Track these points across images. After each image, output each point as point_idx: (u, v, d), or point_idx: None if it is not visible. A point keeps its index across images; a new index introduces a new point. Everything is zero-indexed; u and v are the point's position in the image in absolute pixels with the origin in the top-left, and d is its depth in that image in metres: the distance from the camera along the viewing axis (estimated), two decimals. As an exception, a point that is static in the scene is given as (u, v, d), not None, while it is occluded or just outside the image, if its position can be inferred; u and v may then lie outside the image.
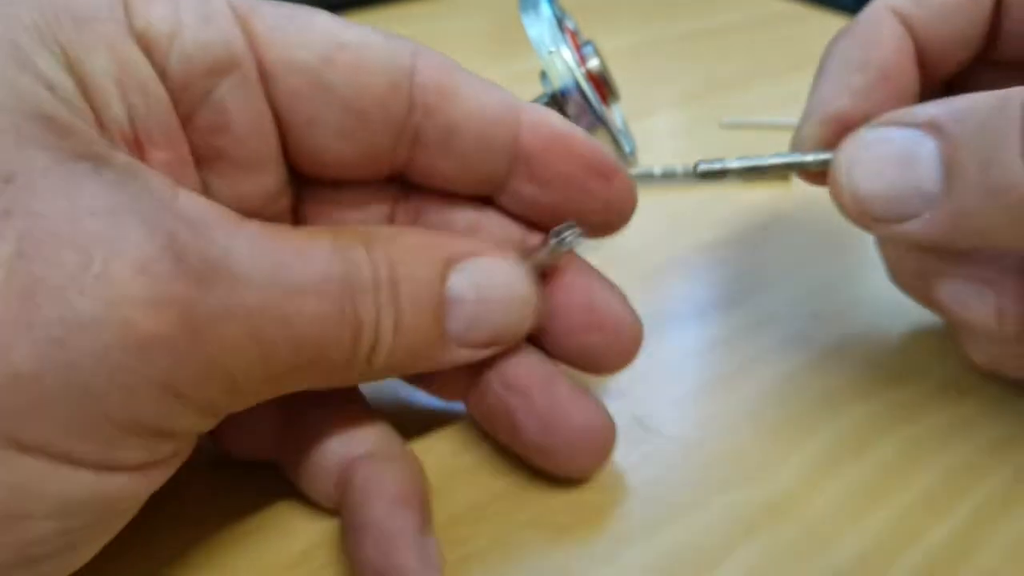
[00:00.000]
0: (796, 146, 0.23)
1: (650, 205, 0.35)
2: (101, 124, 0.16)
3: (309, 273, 0.16)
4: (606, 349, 0.21)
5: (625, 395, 0.24)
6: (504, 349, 0.20)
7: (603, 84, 0.27)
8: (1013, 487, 0.21)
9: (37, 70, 0.15)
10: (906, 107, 0.20)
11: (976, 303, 0.21)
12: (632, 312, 0.21)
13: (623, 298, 0.21)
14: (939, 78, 0.24)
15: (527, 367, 0.20)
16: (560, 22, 0.26)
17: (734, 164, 0.22)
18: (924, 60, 0.23)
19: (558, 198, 0.20)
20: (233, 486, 0.21)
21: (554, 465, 0.21)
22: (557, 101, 0.25)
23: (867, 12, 0.23)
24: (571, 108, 0.25)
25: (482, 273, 0.19)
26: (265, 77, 0.18)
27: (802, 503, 0.21)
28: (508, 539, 0.20)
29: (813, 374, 0.25)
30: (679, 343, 0.27)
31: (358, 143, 0.19)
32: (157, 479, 0.16)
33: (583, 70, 0.25)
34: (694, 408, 0.24)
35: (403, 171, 0.20)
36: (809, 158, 0.22)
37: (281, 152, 0.19)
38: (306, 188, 0.20)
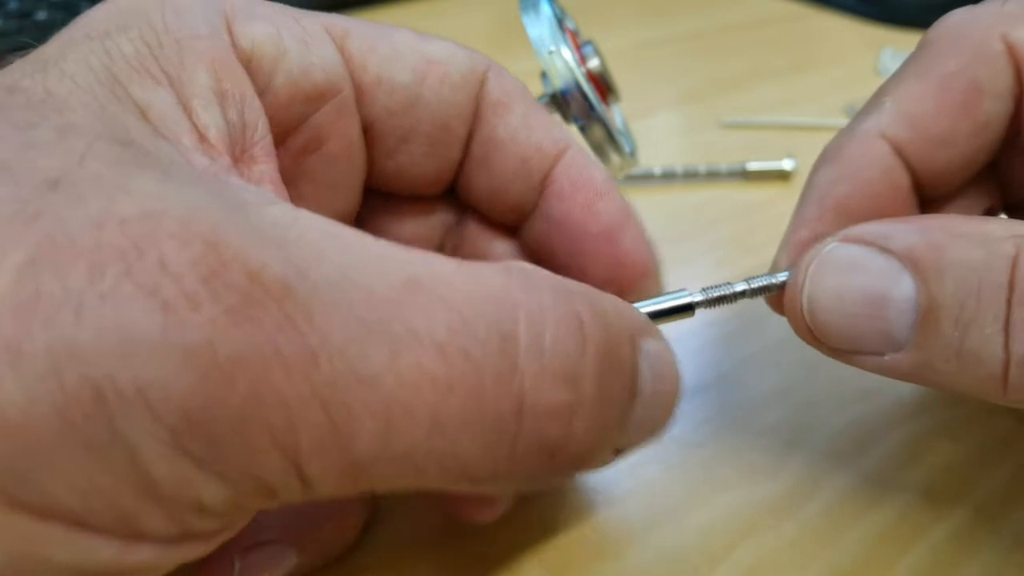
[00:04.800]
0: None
1: (650, 205, 0.35)
2: (203, 138, 0.15)
3: (422, 314, 0.12)
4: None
5: (625, 395, 0.24)
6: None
7: (603, 84, 0.27)
8: (1013, 487, 0.21)
9: (131, 98, 0.14)
10: (881, 222, 0.18)
11: None
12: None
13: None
14: (940, 195, 0.20)
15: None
16: (560, 22, 0.26)
17: (698, 297, 0.18)
18: (921, 187, 0.19)
19: (565, 243, 0.19)
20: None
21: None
22: (557, 101, 0.25)
23: (854, 138, 0.19)
24: (571, 108, 0.25)
25: (659, 357, 0.16)
26: (361, 97, 0.18)
27: (802, 503, 0.21)
28: (508, 539, 0.20)
29: (813, 374, 0.25)
30: (679, 343, 0.26)
31: (439, 158, 0.19)
32: (196, 552, 0.13)
33: (583, 70, 0.25)
34: (694, 408, 0.24)
35: (454, 184, 0.20)
36: (779, 279, 0.19)
37: (364, 172, 0.19)
38: (366, 201, 0.20)
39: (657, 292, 0.19)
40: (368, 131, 0.18)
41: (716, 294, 0.19)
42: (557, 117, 0.23)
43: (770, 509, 0.20)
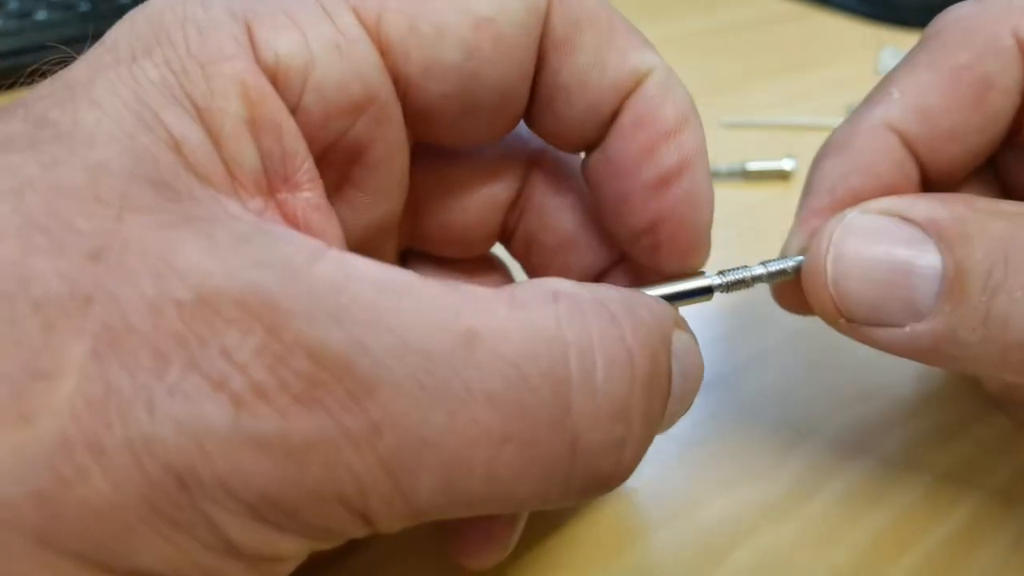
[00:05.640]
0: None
1: (650, 205, 0.35)
2: (233, 176, 0.14)
3: (479, 369, 0.12)
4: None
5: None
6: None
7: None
8: (1013, 487, 0.21)
9: (164, 128, 0.14)
10: (899, 197, 0.18)
11: None
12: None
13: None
14: (943, 188, 0.20)
15: None
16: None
17: (717, 281, 0.18)
18: (927, 179, 0.19)
19: (615, 186, 0.18)
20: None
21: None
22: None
23: (863, 130, 0.19)
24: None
25: (686, 353, 0.16)
26: (409, 91, 0.16)
27: (802, 503, 0.21)
28: (508, 539, 0.20)
29: (813, 374, 0.25)
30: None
31: (504, 118, 0.17)
32: None
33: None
34: (694, 408, 0.24)
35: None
36: (794, 263, 0.19)
37: (408, 171, 0.18)
38: (424, 156, 0.18)
39: (700, 264, 0.18)
40: (422, 119, 0.17)
41: (734, 277, 0.18)
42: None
43: (770, 509, 0.20)
